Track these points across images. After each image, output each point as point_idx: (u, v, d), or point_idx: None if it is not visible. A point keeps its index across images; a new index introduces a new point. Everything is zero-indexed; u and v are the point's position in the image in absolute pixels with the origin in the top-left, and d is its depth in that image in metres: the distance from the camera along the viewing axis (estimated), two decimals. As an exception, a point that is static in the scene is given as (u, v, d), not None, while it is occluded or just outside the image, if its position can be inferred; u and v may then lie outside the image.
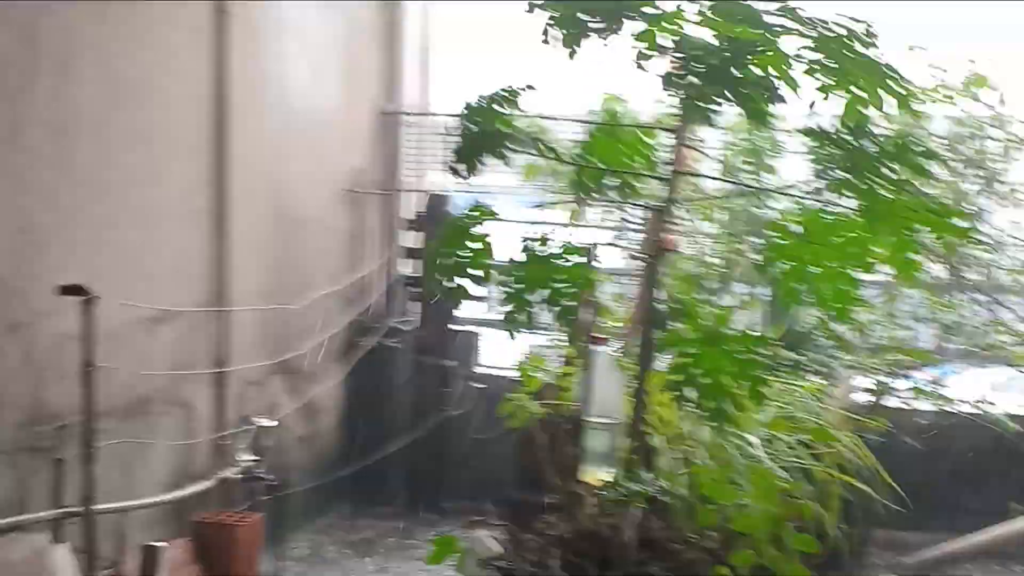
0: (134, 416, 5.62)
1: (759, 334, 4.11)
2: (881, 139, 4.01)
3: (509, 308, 4.23)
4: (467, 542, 4.19)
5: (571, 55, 4.06)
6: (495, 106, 4.20)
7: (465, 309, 8.91)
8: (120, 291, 5.38)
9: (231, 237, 6.49)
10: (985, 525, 7.54)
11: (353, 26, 8.43)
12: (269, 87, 7.04)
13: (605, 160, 4.60)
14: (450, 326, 8.69)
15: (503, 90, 4.21)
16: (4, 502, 4.61)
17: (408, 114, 9.18)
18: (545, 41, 4.05)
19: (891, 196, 3.94)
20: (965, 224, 4.07)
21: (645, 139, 4.67)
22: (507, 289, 4.21)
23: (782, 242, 4.09)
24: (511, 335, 4.30)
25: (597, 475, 4.86)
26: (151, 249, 5.82)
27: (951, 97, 8.16)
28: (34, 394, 4.79)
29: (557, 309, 4.23)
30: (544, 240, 4.23)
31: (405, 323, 8.73)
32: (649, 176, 4.64)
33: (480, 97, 4.22)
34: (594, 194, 4.68)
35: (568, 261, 4.22)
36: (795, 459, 5.82)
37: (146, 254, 5.77)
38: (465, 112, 4.23)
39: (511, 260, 4.25)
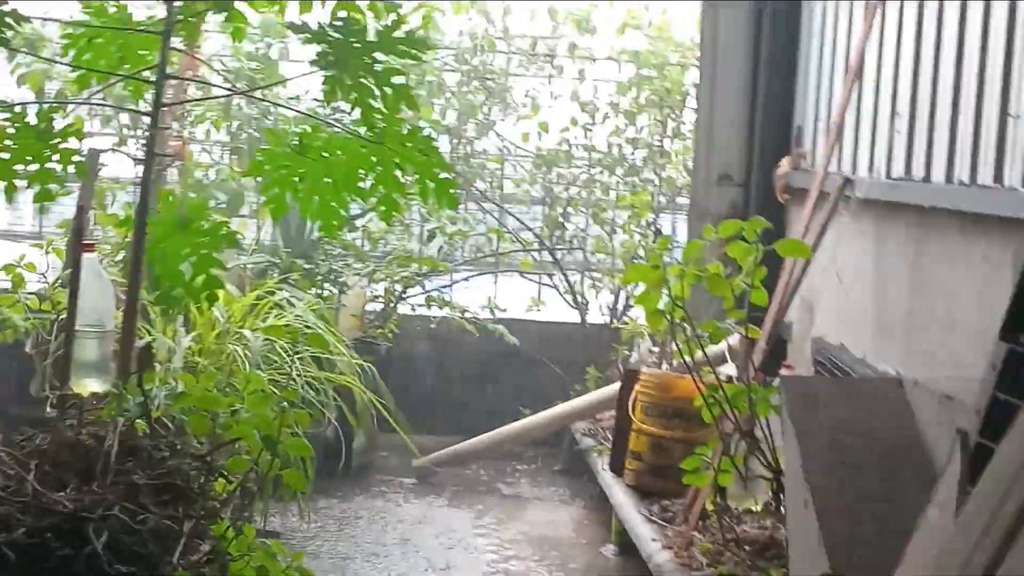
0: None
1: (228, 232, 4.07)
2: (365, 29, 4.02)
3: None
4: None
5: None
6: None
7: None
8: None
9: None
10: (493, 427, 7.86)
11: None
12: None
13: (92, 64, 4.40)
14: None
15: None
16: None
17: None
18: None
19: (381, 122, 3.99)
20: (446, 176, 4.14)
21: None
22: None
23: (275, 151, 4.08)
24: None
25: (87, 385, 4.72)
26: None
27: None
28: None
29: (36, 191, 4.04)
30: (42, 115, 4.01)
31: None
32: (130, 78, 4.46)
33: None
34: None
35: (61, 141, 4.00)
36: (291, 365, 5.87)
37: None
38: None
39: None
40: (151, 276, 4.22)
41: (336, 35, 3.97)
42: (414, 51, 4.04)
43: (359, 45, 3.97)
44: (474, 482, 7.80)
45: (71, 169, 4.02)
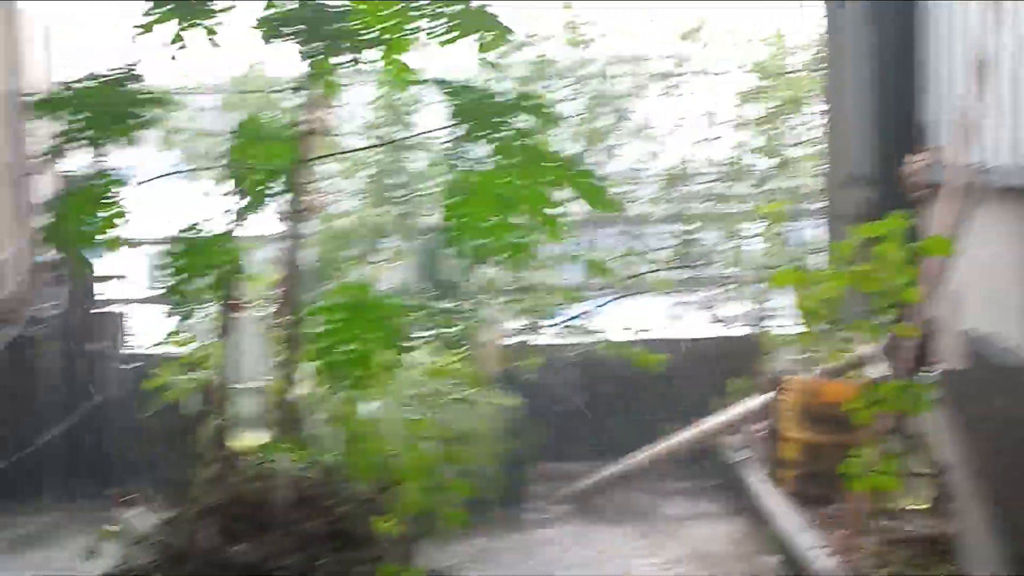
0: None
1: (398, 302, 4.18)
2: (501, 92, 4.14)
3: (174, 301, 4.18)
4: (119, 524, 4.11)
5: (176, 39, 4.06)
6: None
7: (109, 289, 8.70)
8: None
9: None
10: (640, 449, 7.86)
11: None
12: None
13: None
14: (93, 308, 8.44)
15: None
16: None
17: (31, 95, 8.81)
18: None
19: (518, 146, 4.06)
20: (597, 183, 4.21)
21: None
22: (168, 280, 4.15)
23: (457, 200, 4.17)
24: (181, 319, 4.29)
25: (248, 440, 4.84)
26: None
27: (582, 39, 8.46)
28: None
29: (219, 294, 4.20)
30: (194, 228, 4.20)
31: (48, 309, 8.42)
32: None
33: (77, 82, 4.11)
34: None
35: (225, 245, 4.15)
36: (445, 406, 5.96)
37: None
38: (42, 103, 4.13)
39: (167, 244, 4.20)
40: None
41: (472, 93, 4.08)
42: (545, 117, 4.14)
43: (493, 103, 4.08)
44: (629, 504, 7.79)
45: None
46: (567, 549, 6.95)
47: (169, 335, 6.78)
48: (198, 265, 4.18)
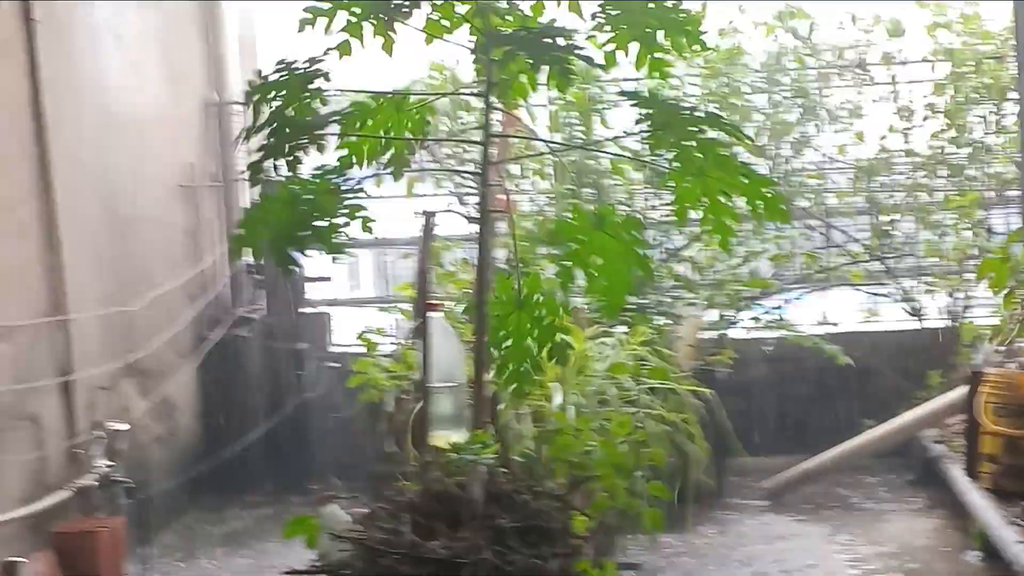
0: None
1: (561, 300, 4.24)
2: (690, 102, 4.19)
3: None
4: (319, 518, 4.25)
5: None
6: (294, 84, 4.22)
7: (314, 291, 8.97)
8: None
9: (63, 245, 6.44)
10: (837, 442, 7.81)
11: (172, 20, 8.39)
12: (86, 89, 6.99)
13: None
14: (299, 309, 8.72)
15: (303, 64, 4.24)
16: None
17: (237, 103, 9.14)
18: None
19: (700, 156, 4.10)
20: (772, 193, 4.23)
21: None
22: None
23: (573, 224, 4.23)
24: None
25: (445, 438, 4.96)
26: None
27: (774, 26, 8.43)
28: None
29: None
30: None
31: (253, 311, 8.73)
32: (462, 142, 4.72)
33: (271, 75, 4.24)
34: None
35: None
36: (637, 401, 6.00)
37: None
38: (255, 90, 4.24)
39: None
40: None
41: (659, 104, 4.14)
42: (734, 132, 4.18)
43: (682, 116, 4.13)
44: (826, 499, 7.75)
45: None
46: (767, 543, 6.94)
47: (359, 335, 7.01)
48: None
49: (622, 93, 4.29)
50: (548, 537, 3.96)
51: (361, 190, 4.14)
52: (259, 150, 4.23)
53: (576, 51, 4.12)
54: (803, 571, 6.45)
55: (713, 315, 8.16)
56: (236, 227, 4.26)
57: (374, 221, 4.11)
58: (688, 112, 4.13)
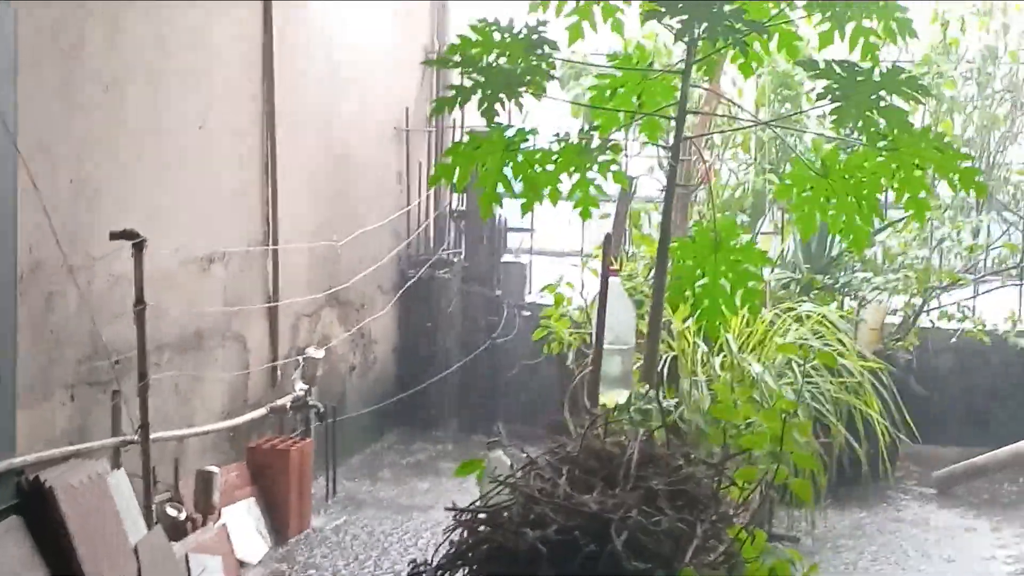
0: (190, 350, 6.00)
1: (760, 250, 4.43)
2: (871, 70, 4.28)
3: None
4: (485, 462, 4.52)
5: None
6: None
7: (514, 239, 9.22)
8: (175, 233, 5.76)
9: (281, 177, 6.82)
10: (1017, 439, 7.76)
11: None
12: (315, 29, 7.35)
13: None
14: (498, 257, 8.98)
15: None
16: (66, 432, 5.00)
17: (436, 53, 9.34)
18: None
19: (893, 131, 4.22)
20: (968, 164, 4.32)
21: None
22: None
23: (801, 174, 4.41)
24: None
25: (613, 397, 5.18)
26: (204, 192, 6.16)
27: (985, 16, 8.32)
28: (92, 332, 5.15)
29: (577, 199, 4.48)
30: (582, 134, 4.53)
31: (454, 255, 9.03)
32: (660, 116, 4.89)
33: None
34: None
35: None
36: (810, 382, 6.12)
37: (199, 197, 6.11)
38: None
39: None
40: (678, 293, 4.63)
41: (842, 73, 4.26)
42: (915, 94, 4.27)
43: (863, 81, 4.24)
44: (995, 495, 7.71)
45: (608, 180, 4.44)
46: (924, 531, 6.99)
47: (545, 288, 7.27)
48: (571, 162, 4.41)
49: (799, 63, 4.42)
50: (698, 503, 4.13)
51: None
52: (450, 88, 4.49)
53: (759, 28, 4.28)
54: (957, 565, 6.51)
55: (899, 302, 8.15)
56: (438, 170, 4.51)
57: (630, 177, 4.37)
58: (865, 74, 4.24)
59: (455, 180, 4.48)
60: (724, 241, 4.50)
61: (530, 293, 9.18)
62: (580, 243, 8.93)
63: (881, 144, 4.27)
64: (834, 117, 4.36)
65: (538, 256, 9.41)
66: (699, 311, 4.60)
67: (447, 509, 4.12)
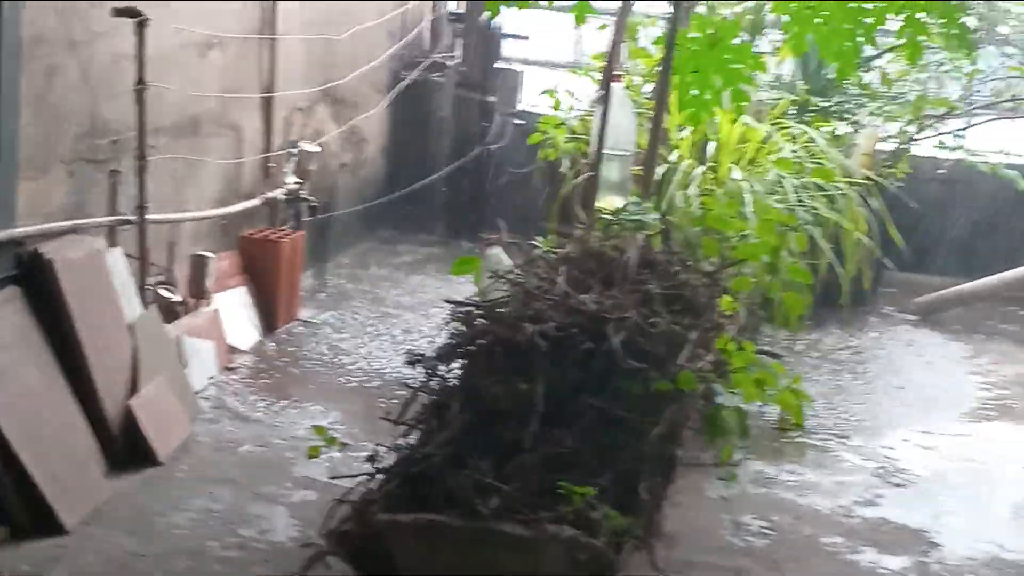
0: (186, 136, 5.96)
1: (755, 54, 4.45)
2: None
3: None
4: (484, 259, 4.55)
5: None
6: None
7: (509, 47, 9.15)
8: (175, 14, 5.66)
9: (280, -34, 6.72)
10: (999, 271, 7.83)
11: None
12: None
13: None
14: (494, 63, 8.92)
15: None
16: (64, 208, 4.99)
17: None
18: None
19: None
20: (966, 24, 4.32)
21: None
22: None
23: None
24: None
25: (610, 202, 5.21)
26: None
27: None
28: (91, 110, 5.10)
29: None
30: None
31: (449, 59, 8.96)
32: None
33: None
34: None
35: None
36: (801, 199, 6.14)
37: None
38: None
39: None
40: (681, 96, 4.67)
41: None
42: None
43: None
44: (975, 323, 7.82)
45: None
46: (902, 355, 7.12)
47: (544, 92, 7.23)
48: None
49: None
50: (692, 308, 4.19)
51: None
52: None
53: None
54: (932, 386, 6.65)
55: (893, 128, 8.13)
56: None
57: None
58: None
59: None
60: (722, 40, 4.53)
61: (521, 102, 9.13)
62: (573, 54, 8.88)
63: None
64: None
65: (531, 66, 9.35)
66: (685, 99, 4.67)
67: (446, 301, 4.16)
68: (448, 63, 8.88)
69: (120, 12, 5.03)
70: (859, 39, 4.41)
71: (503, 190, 8.70)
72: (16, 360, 4.25)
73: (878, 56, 7.85)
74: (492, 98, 8.87)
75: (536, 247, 4.56)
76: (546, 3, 6.36)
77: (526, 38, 9.12)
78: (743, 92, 4.55)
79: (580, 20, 4.51)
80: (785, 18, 4.69)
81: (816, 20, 4.41)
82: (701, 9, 5.90)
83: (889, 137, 8.10)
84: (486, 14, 4.40)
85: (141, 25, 5.06)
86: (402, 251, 8.44)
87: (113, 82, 5.21)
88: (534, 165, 7.41)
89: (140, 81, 5.10)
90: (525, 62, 9.23)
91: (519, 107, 9.05)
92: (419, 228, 8.75)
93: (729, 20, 4.61)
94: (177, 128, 5.85)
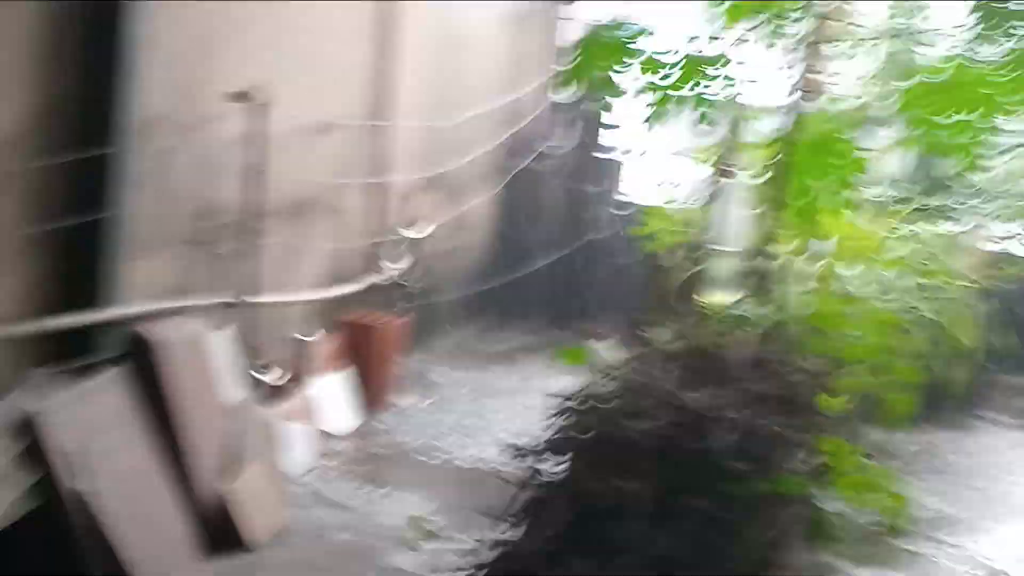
0: (293, 218, 5.98)
1: (858, 157, 4.36)
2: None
3: (654, 103, 4.39)
4: (590, 352, 4.47)
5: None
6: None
7: (611, 138, 9.13)
8: (288, 99, 5.69)
9: (396, 54, 6.74)
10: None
11: None
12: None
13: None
14: (597, 153, 8.91)
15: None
16: (169, 288, 4.99)
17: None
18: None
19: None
20: None
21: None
22: (656, 84, 4.35)
23: (920, 90, 4.29)
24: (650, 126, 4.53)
25: (718, 298, 5.13)
26: (319, 61, 6.08)
27: None
28: (200, 192, 5.13)
29: (701, 110, 4.39)
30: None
31: (555, 148, 8.95)
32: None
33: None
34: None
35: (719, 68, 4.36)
36: (911, 299, 6.01)
37: (314, 65, 6.03)
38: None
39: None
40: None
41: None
42: None
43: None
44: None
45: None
46: (1007, 458, 6.93)
47: (657, 186, 7.17)
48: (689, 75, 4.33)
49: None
50: (798, 410, 4.08)
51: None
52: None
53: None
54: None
55: (1001, 229, 7.97)
56: (568, 59, 4.41)
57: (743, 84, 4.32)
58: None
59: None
60: (829, 145, 4.45)
61: (624, 192, 9.10)
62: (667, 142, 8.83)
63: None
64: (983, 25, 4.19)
65: (633, 155, 9.32)
66: (795, 207, 4.58)
67: (551, 396, 4.08)
68: (553, 152, 8.87)
69: (235, 96, 5.05)
70: (983, 135, 4.28)
71: (606, 280, 8.64)
72: (116, 442, 4.24)
73: (1004, 153, 7.72)
74: (595, 187, 8.84)
75: (644, 342, 4.47)
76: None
77: (618, 127, 9.10)
78: (843, 195, 4.46)
79: (705, 119, 4.40)
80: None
81: (937, 119, 4.28)
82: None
83: (1000, 238, 7.94)
84: (594, 105, 4.34)
85: (255, 109, 5.07)
86: (504, 338, 8.40)
87: (223, 165, 5.23)
88: (638, 257, 7.34)
89: (253, 165, 5.10)
90: (628, 151, 9.20)
91: (622, 197, 9.01)
92: (521, 316, 8.71)
93: (846, 114, 4.49)
94: (284, 212, 5.86)
